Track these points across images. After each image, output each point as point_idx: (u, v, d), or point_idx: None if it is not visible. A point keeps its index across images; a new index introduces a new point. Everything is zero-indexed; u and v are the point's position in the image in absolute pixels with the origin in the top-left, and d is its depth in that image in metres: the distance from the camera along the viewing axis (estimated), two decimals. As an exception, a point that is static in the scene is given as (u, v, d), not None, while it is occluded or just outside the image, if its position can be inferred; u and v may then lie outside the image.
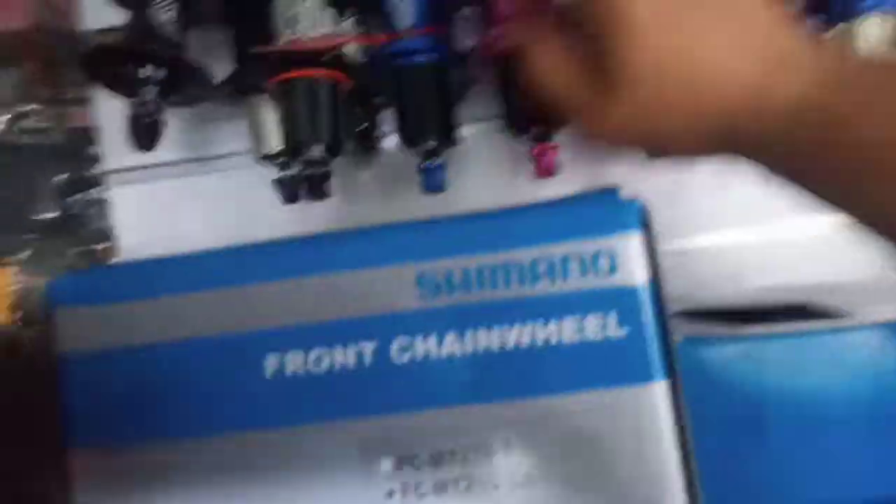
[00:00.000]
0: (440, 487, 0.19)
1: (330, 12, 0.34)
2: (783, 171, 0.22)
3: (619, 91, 0.22)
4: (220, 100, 0.36)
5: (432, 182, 0.34)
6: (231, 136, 0.38)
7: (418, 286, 0.20)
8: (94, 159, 0.38)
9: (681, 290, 0.37)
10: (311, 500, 0.19)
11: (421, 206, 0.36)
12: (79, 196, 0.38)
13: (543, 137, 0.34)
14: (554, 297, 0.20)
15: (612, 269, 0.20)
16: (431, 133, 0.34)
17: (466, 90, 0.38)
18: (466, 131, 0.38)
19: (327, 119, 0.33)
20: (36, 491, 0.24)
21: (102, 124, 0.38)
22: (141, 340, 0.19)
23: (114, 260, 0.35)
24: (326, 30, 0.33)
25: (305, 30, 0.33)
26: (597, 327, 0.20)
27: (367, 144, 0.38)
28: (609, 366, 0.19)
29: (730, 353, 0.24)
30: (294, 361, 0.19)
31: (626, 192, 0.21)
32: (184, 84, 0.33)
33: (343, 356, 0.19)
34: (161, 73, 0.31)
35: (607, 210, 0.20)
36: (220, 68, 0.35)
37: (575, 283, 0.20)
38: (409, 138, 0.34)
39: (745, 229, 0.40)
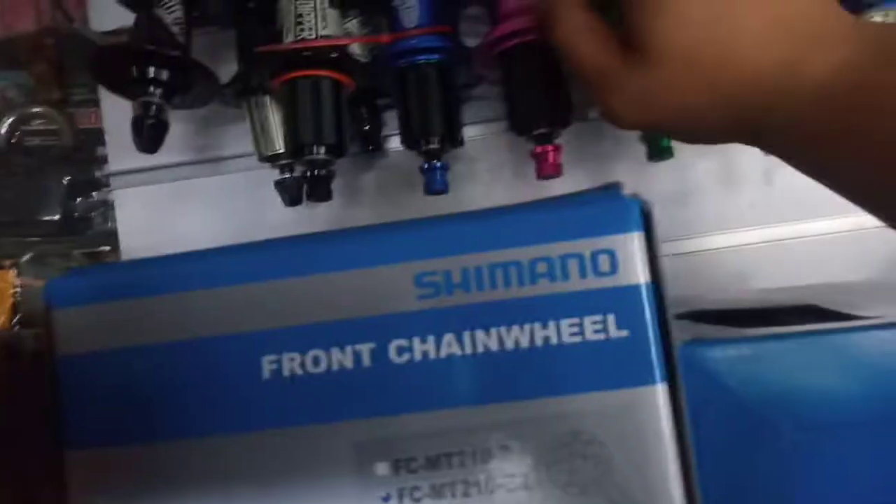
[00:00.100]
0: (437, 491, 0.19)
1: (334, 13, 0.34)
2: (807, 155, 0.22)
3: (646, 62, 0.22)
4: (225, 101, 0.36)
5: (435, 183, 0.34)
6: (235, 139, 0.38)
7: (416, 286, 0.20)
8: (101, 161, 0.38)
9: (686, 292, 0.37)
10: (306, 503, 0.18)
11: (424, 207, 0.36)
12: (84, 198, 0.38)
13: (547, 138, 0.34)
14: (553, 297, 0.19)
15: (613, 269, 0.19)
16: (434, 134, 0.34)
17: (470, 90, 0.38)
18: (470, 132, 0.38)
19: (331, 120, 0.33)
20: (34, 493, 0.24)
21: (108, 127, 0.38)
22: (138, 340, 0.19)
23: (116, 262, 0.36)
24: (331, 30, 0.33)
25: (310, 30, 0.33)
26: (597, 328, 0.19)
27: (371, 145, 0.38)
28: (609, 368, 0.19)
29: (736, 355, 0.24)
30: (290, 362, 0.19)
31: (627, 191, 0.20)
32: (189, 85, 0.33)
33: (340, 357, 0.19)
34: (165, 74, 0.31)
35: (608, 209, 0.20)
36: (225, 69, 0.35)
37: (574, 283, 0.19)
38: (413, 139, 0.34)
39: (751, 230, 0.39)
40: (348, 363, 0.19)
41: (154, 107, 0.32)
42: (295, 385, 0.19)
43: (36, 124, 0.39)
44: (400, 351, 0.19)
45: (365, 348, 0.19)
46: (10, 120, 0.38)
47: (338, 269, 0.19)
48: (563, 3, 0.26)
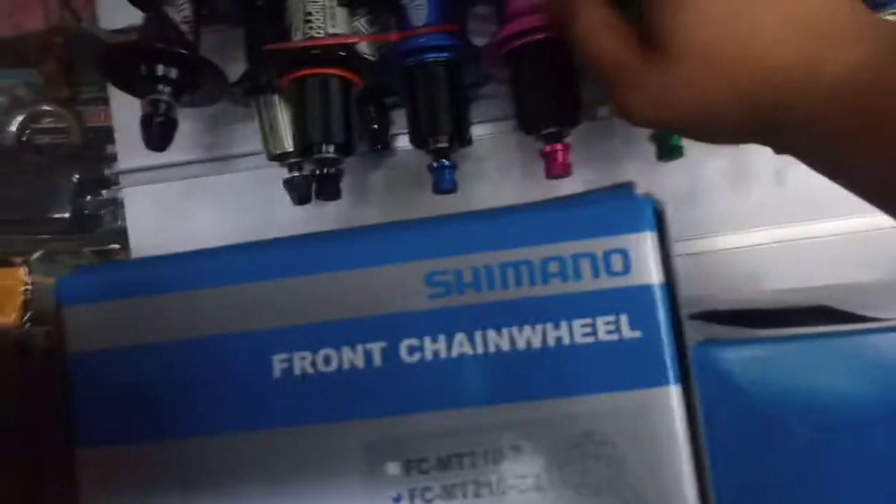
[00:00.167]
0: (448, 492, 0.18)
1: (343, 11, 0.34)
2: (822, 154, 0.21)
3: (665, 58, 0.21)
4: (234, 99, 0.36)
5: (444, 182, 0.34)
6: (244, 138, 0.38)
7: (427, 285, 0.19)
8: (110, 159, 0.38)
9: (697, 292, 0.37)
10: (317, 502, 0.18)
11: (432, 206, 0.36)
12: (93, 196, 0.38)
13: (556, 137, 0.34)
14: (565, 297, 0.19)
15: (626, 268, 0.19)
16: (443, 133, 0.34)
17: (478, 89, 0.38)
18: (479, 131, 0.37)
19: (339, 118, 0.33)
20: (45, 490, 0.24)
21: (118, 125, 0.38)
22: (148, 338, 0.19)
23: (126, 260, 0.36)
24: (340, 29, 0.33)
25: (319, 28, 0.33)
26: (609, 329, 0.19)
27: (379, 144, 0.38)
28: (622, 368, 0.19)
29: (749, 356, 0.24)
30: (301, 361, 0.19)
31: (640, 190, 0.20)
32: (198, 83, 0.33)
33: (350, 356, 0.19)
34: (174, 72, 0.31)
35: (620, 208, 0.20)
36: (234, 68, 0.35)
37: (587, 283, 0.19)
38: (421, 138, 0.34)
39: (763, 230, 0.39)
40: (359, 362, 0.19)
41: (163, 105, 0.31)
42: (306, 384, 0.19)
43: (45, 122, 0.39)
44: (411, 350, 0.19)
45: (376, 347, 0.19)
46: (20, 118, 0.38)
47: (348, 268, 0.19)
48: (579, 6, 0.25)
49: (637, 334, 0.19)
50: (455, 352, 0.19)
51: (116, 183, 0.38)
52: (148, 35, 0.33)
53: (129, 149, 0.38)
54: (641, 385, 0.19)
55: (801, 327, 0.26)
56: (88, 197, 0.38)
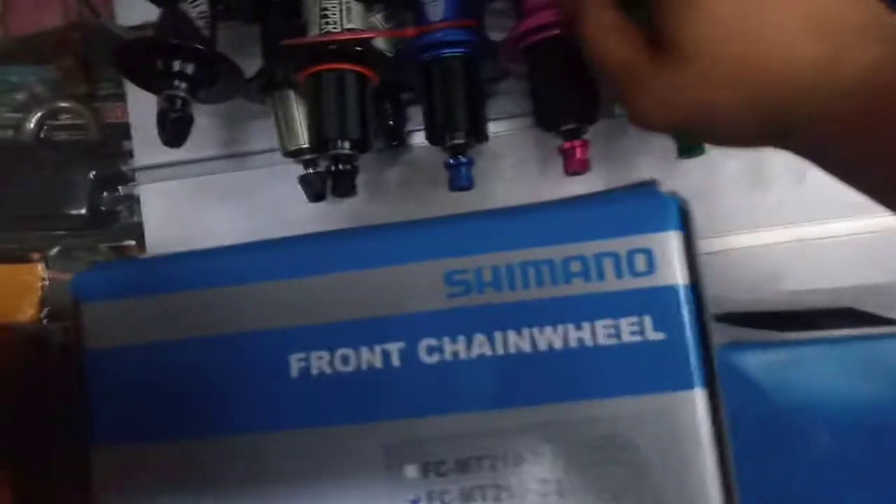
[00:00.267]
0: (467, 495, 0.18)
1: (359, 7, 0.34)
2: (836, 155, 0.21)
3: (673, 60, 0.21)
4: (249, 96, 0.36)
5: (460, 179, 0.34)
6: (260, 134, 0.38)
7: (446, 284, 0.19)
8: (127, 156, 0.38)
9: (715, 292, 0.36)
10: (335, 504, 0.18)
11: (449, 203, 0.36)
12: (110, 192, 0.38)
13: (574, 134, 0.33)
14: (588, 297, 0.19)
15: (650, 268, 0.19)
16: (459, 129, 0.33)
17: (495, 85, 0.38)
18: (495, 127, 0.37)
19: (355, 114, 0.32)
20: (59, 487, 0.24)
21: (134, 122, 0.38)
22: (165, 336, 0.19)
23: (142, 257, 0.36)
24: (356, 24, 0.33)
25: (335, 24, 0.33)
26: (633, 330, 0.19)
27: (395, 141, 0.38)
28: (645, 371, 0.18)
29: (773, 360, 0.23)
30: (319, 361, 0.19)
31: (664, 188, 0.20)
32: (214, 78, 0.33)
33: (369, 356, 0.19)
34: (190, 68, 0.31)
35: (645, 206, 0.19)
36: (250, 64, 0.34)
37: (610, 283, 0.19)
38: (437, 134, 0.34)
39: (782, 229, 0.38)
40: (377, 363, 0.18)
41: (179, 100, 0.31)
42: (323, 384, 0.18)
43: (63, 119, 0.39)
44: (430, 351, 0.18)
45: (394, 348, 0.19)
46: (38, 115, 0.38)
47: (366, 267, 0.19)
48: (589, 1, 0.25)
49: (661, 336, 0.18)
50: (474, 353, 0.19)
51: (133, 179, 0.38)
52: (164, 31, 0.32)
53: (146, 145, 0.38)
54: (665, 388, 0.18)
55: (824, 330, 0.26)
56: (105, 193, 0.38)
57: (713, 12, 0.20)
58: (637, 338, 0.19)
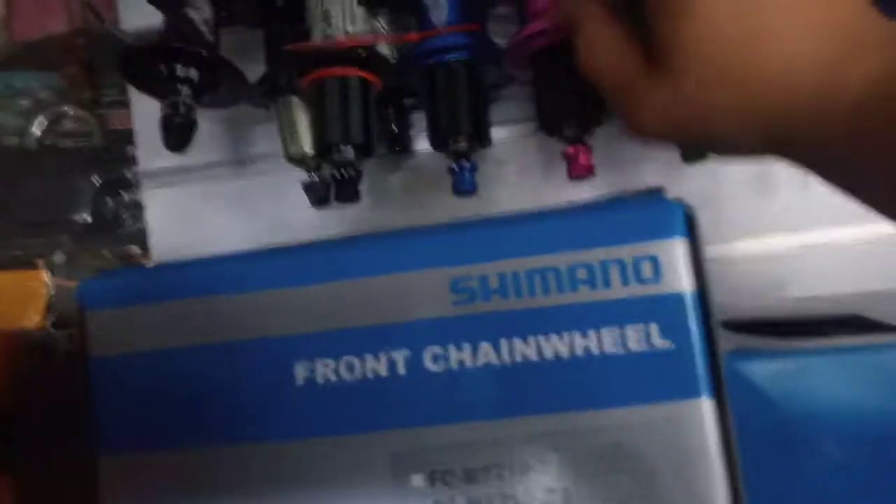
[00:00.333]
0: (473, 504, 0.18)
1: (362, 11, 0.34)
2: (839, 169, 0.21)
3: (669, 72, 0.21)
4: (253, 101, 0.36)
5: (463, 184, 0.34)
6: (264, 140, 0.38)
7: (452, 292, 0.19)
8: (131, 162, 0.38)
9: (721, 299, 0.36)
10: (340, 513, 0.18)
11: (452, 208, 0.36)
12: (114, 198, 0.38)
13: (577, 138, 0.33)
14: (594, 305, 0.19)
15: (656, 276, 0.19)
16: (463, 134, 0.33)
17: (499, 90, 0.38)
18: (499, 132, 0.37)
19: (359, 119, 0.32)
20: (65, 495, 0.24)
21: (138, 127, 0.38)
22: (171, 343, 0.19)
23: (146, 262, 0.36)
24: (359, 29, 0.33)
25: (338, 28, 0.33)
26: (639, 338, 0.19)
27: (398, 146, 0.38)
28: (652, 380, 0.18)
29: (780, 369, 0.23)
30: (324, 369, 0.19)
31: (669, 194, 0.20)
32: (217, 83, 0.33)
33: (374, 364, 0.19)
34: (194, 73, 0.31)
35: (651, 213, 0.19)
36: (254, 69, 0.35)
37: (616, 290, 0.19)
38: (440, 139, 0.34)
39: (787, 235, 0.38)
40: (383, 371, 0.18)
41: (183, 106, 0.31)
42: (329, 392, 0.18)
43: (67, 125, 0.39)
44: (435, 358, 0.18)
45: (399, 356, 0.19)
46: (42, 121, 0.39)
47: (371, 274, 0.19)
48: (584, 15, 0.25)
49: (668, 344, 0.18)
50: (480, 361, 0.18)
51: (137, 185, 0.38)
52: (168, 36, 0.32)
53: (150, 151, 0.38)
54: (672, 397, 0.18)
55: (832, 338, 0.26)
56: (109, 199, 0.38)
57: (709, 22, 0.20)
58: (643, 346, 0.19)
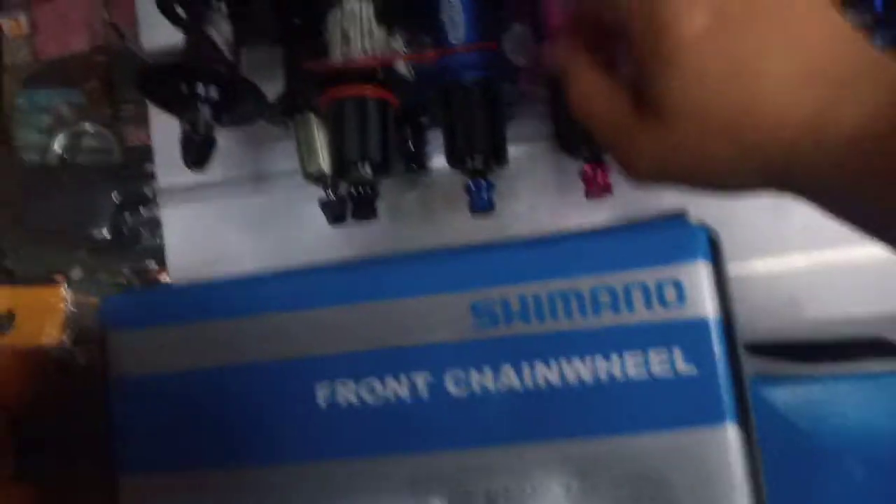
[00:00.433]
0: (495, 530, 0.18)
1: (381, 30, 0.34)
2: (840, 202, 0.21)
3: (660, 122, 0.21)
4: (272, 118, 0.36)
5: (480, 202, 0.34)
6: (282, 157, 0.38)
7: (473, 315, 0.19)
8: (149, 178, 0.39)
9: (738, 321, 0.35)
10: (361, 539, 0.18)
11: (469, 226, 0.36)
12: (132, 214, 0.38)
13: (595, 157, 0.33)
14: (617, 329, 0.19)
15: (680, 300, 0.19)
16: (479, 152, 0.33)
17: (516, 108, 0.38)
18: (516, 150, 0.37)
19: (376, 138, 0.32)
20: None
21: (157, 144, 0.39)
22: (193, 365, 0.19)
23: (164, 278, 0.36)
24: (377, 48, 0.33)
25: (357, 47, 0.33)
26: (663, 363, 0.18)
27: (415, 164, 0.38)
28: (676, 405, 0.18)
29: (806, 394, 0.23)
30: (345, 391, 0.19)
31: (693, 218, 0.20)
32: (237, 102, 0.33)
33: (395, 387, 0.19)
34: (214, 91, 0.32)
35: (673, 236, 0.19)
36: (272, 87, 0.35)
37: (639, 314, 0.19)
38: (457, 158, 0.34)
39: (805, 254, 0.37)
40: (404, 393, 0.18)
41: (203, 124, 0.32)
42: (349, 414, 0.18)
43: (87, 141, 0.40)
44: (457, 382, 0.18)
45: (421, 378, 0.18)
46: (63, 137, 0.39)
47: (393, 297, 0.19)
48: (573, 65, 0.25)
49: (692, 369, 0.18)
50: (502, 384, 0.18)
51: (155, 201, 0.39)
52: (188, 55, 0.33)
53: (168, 168, 0.38)
54: (697, 423, 0.18)
55: (855, 362, 0.25)
56: (127, 215, 0.38)
57: (699, 72, 0.20)
58: (667, 371, 0.18)
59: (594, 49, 0.24)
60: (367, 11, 0.34)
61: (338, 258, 0.32)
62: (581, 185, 0.33)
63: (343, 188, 0.35)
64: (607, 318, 0.19)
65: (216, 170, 0.35)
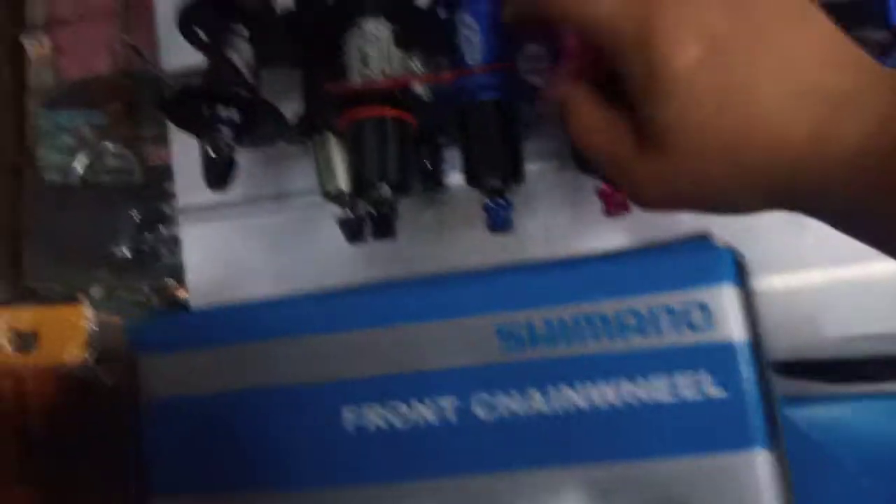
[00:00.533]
0: (524, 556, 0.18)
1: (399, 52, 0.34)
2: (847, 223, 0.20)
3: (658, 152, 0.21)
4: (291, 138, 0.36)
5: (498, 221, 0.34)
6: (301, 176, 0.39)
7: (499, 339, 0.19)
8: (169, 197, 0.39)
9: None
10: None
11: (486, 244, 0.36)
12: (152, 233, 0.39)
13: (612, 175, 0.33)
14: (643, 352, 0.19)
15: (707, 323, 0.19)
16: (497, 171, 0.34)
17: (532, 127, 0.38)
18: (532, 168, 0.37)
19: (395, 158, 0.33)
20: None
21: (177, 164, 0.39)
22: (223, 387, 0.19)
23: (183, 296, 0.36)
24: (395, 69, 0.34)
25: (376, 69, 0.33)
26: (690, 386, 0.18)
27: (432, 183, 0.38)
28: (704, 430, 0.18)
29: (832, 416, 0.22)
30: (372, 415, 0.19)
31: (718, 239, 0.20)
32: (257, 124, 0.33)
33: (422, 411, 0.19)
34: (235, 114, 0.32)
35: (700, 259, 0.19)
36: (290, 106, 0.35)
37: (666, 337, 0.19)
38: (475, 177, 0.34)
39: (824, 270, 0.37)
40: (430, 417, 0.18)
41: (224, 146, 0.32)
42: (377, 439, 0.18)
43: (109, 161, 0.40)
44: (483, 405, 0.18)
45: (447, 402, 0.19)
46: (85, 157, 0.40)
47: (420, 320, 0.19)
48: (573, 98, 0.25)
49: (721, 393, 0.18)
50: (528, 408, 0.18)
51: (174, 220, 0.39)
52: (210, 78, 0.33)
53: (188, 187, 0.39)
54: (726, 448, 0.18)
55: (880, 381, 0.25)
56: (147, 234, 0.39)
57: (695, 100, 0.20)
58: (695, 394, 0.18)
59: (593, 80, 0.25)
60: (385, 33, 0.35)
61: (356, 275, 0.32)
62: (598, 203, 0.34)
63: (362, 207, 0.36)
64: (634, 342, 0.19)
65: (236, 189, 0.35)
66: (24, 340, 0.32)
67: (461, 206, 0.38)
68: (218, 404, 0.19)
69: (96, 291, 0.37)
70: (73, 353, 0.32)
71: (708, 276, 0.19)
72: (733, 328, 0.18)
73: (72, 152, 0.40)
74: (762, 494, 0.18)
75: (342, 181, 0.36)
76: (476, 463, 0.18)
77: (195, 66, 0.35)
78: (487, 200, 0.34)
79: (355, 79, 0.33)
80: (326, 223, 0.36)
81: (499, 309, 0.19)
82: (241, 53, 0.34)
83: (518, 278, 0.19)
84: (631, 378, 0.18)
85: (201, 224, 0.39)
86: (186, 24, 0.34)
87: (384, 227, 0.34)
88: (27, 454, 0.26)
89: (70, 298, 0.36)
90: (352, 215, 0.36)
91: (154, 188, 0.40)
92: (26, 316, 0.33)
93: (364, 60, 0.34)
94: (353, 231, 0.36)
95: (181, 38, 0.34)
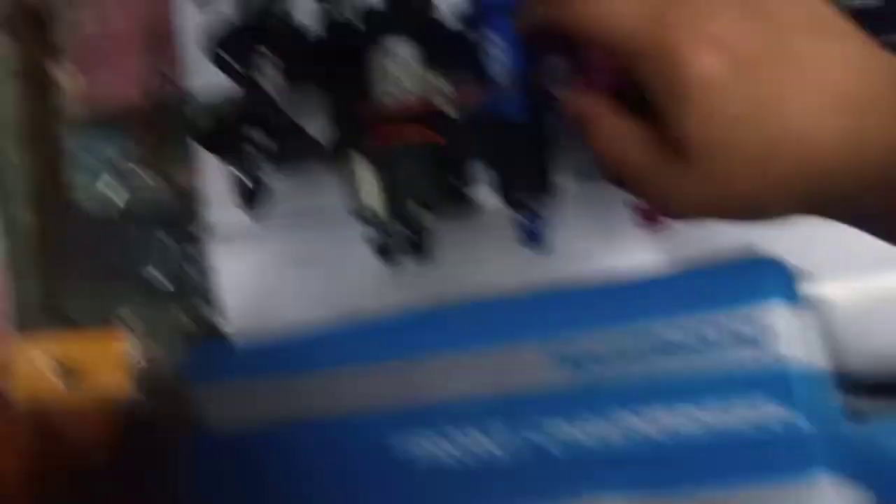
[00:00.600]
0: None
1: (425, 71, 0.34)
2: (879, 227, 0.20)
3: (684, 162, 0.20)
4: (322, 159, 0.36)
5: (531, 237, 0.34)
6: (331, 197, 0.39)
7: (551, 364, 0.19)
8: (202, 222, 0.39)
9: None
10: None
11: (520, 261, 0.36)
12: (184, 256, 0.39)
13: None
14: (701, 374, 0.18)
15: (764, 343, 0.18)
16: (527, 188, 0.33)
17: (562, 141, 0.38)
18: (564, 183, 0.37)
19: (426, 179, 0.33)
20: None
21: (208, 187, 0.40)
22: (277, 419, 0.19)
23: (219, 320, 0.36)
24: (422, 88, 0.34)
25: (402, 89, 0.34)
26: (750, 410, 0.18)
27: (462, 201, 0.38)
28: (764, 458, 0.17)
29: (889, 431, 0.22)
30: (432, 446, 0.19)
31: (770, 253, 0.19)
32: (289, 149, 0.34)
33: (479, 439, 0.19)
34: (268, 141, 0.32)
35: (753, 275, 0.19)
36: (316, 127, 0.35)
37: (719, 359, 0.18)
38: (506, 194, 0.34)
39: (840, 283, 0.36)
40: (488, 446, 0.18)
41: (256, 170, 0.32)
42: (436, 471, 0.18)
43: (139, 184, 0.41)
44: (542, 433, 0.18)
45: (501, 429, 0.18)
46: (119, 185, 0.40)
47: (474, 346, 0.19)
48: (594, 111, 0.25)
49: (782, 418, 0.18)
50: (592, 434, 0.18)
51: (207, 245, 0.39)
52: (240, 103, 0.34)
53: (218, 209, 0.39)
54: (788, 477, 0.17)
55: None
56: (181, 260, 0.39)
57: (722, 109, 0.20)
58: (753, 420, 0.18)
59: (615, 90, 0.25)
60: (411, 52, 0.35)
61: (391, 297, 0.32)
62: (633, 217, 0.33)
63: (395, 228, 0.36)
64: (687, 364, 0.18)
65: (268, 210, 0.35)
66: (69, 373, 0.32)
67: (493, 223, 0.38)
68: (272, 435, 0.19)
69: (133, 319, 0.37)
70: (119, 385, 0.32)
71: (763, 293, 0.18)
72: (793, 348, 0.18)
73: (105, 180, 0.41)
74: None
75: (374, 202, 0.36)
76: (532, 491, 0.18)
77: (224, 89, 0.36)
78: (519, 217, 0.34)
79: (385, 100, 0.33)
80: (359, 244, 0.36)
81: (552, 333, 0.19)
82: (270, 78, 0.34)
83: (571, 301, 0.19)
84: (685, 404, 0.18)
85: (233, 245, 0.39)
86: (217, 52, 0.34)
87: (417, 247, 0.34)
88: (77, 489, 0.26)
89: (107, 326, 0.36)
90: (386, 237, 0.36)
91: (187, 214, 0.40)
92: (70, 348, 0.34)
93: (392, 81, 0.34)
94: (386, 252, 0.36)
95: (209, 63, 0.35)
